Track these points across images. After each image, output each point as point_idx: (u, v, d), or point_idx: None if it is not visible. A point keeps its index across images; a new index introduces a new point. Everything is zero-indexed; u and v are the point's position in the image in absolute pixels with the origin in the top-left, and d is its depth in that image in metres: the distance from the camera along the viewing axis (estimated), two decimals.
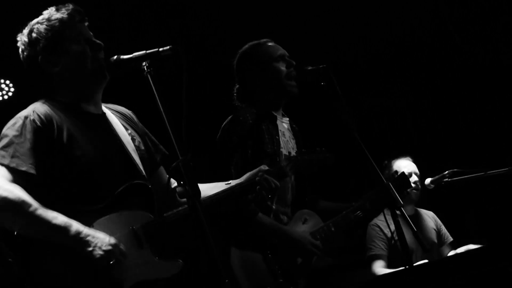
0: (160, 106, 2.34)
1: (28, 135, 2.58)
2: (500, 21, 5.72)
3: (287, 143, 3.57)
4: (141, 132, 2.98)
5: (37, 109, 2.68)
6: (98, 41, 2.80)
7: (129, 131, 2.90)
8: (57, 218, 2.46)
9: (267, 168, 3.04)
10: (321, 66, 3.16)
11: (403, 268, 4.17)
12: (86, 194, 2.60)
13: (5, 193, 2.44)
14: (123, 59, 2.62)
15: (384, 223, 4.49)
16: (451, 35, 5.90)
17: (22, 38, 2.80)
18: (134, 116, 3.04)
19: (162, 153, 3.02)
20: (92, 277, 2.47)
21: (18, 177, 2.51)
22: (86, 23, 2.83)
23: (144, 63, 2.46)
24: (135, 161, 2.79)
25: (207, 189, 2.87)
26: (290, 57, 3.59)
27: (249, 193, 2.98)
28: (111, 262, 2.45)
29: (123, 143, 2.79)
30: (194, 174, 2.26)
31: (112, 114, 2.91)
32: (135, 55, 2.54)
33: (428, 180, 4.40)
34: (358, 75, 5.97)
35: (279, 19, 5.40)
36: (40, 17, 2.79)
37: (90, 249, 2.44)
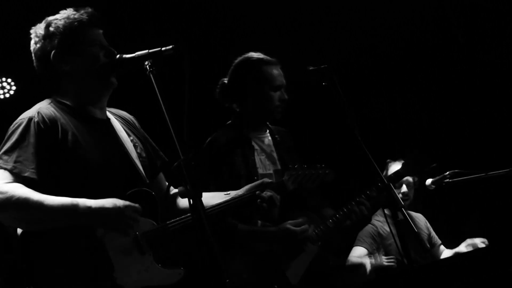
0: (162, 106, 2.33)
1: (32, 139, 2.55)
2: (505, 22, 5.72)
3: (265, 161, 3.57)
4: (142, 138, 2.95)
5: (42, 110, 2.65)
6: (111, 49, 2.75)
7: (131, 138, 2.87)
8: (63, 201, 2.47)
9: (269, 181, 3.05)
10: (322, 66, 3.15)
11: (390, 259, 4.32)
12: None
13: (8, 194, 2.44)
14: (126, 58, 2.63)
15: (380, 224, 4.65)
16: (454, 36, 5.90)
17: (37, 31, 2.75)
18: (135, 122, 3.00)
19: (162, 159, 2.99)
20: (94, 281, 2.47)
21: (20, 181, 2.51)
22: (101, 31, 2.79)
23: (146, 63, 2.45)
24: (138, 168, 2.77)
25: (207, 198, 2.84)
26: (285, 90, 3.61)
27: (249, 206, 2.98)
28: (130, 223, 2.53)
29: (126, 150, 2.77)
30: (196, 174, 2.25)
31: (115, 119, 2.88)
32: (137, 55, 2.54)
33: (429, 181, 4.39)
34: (360, 76, 5.97)
35: (284, 21, 5.41)
36: (59, 15, 2.75)
37: (105, 214, 2.48)
